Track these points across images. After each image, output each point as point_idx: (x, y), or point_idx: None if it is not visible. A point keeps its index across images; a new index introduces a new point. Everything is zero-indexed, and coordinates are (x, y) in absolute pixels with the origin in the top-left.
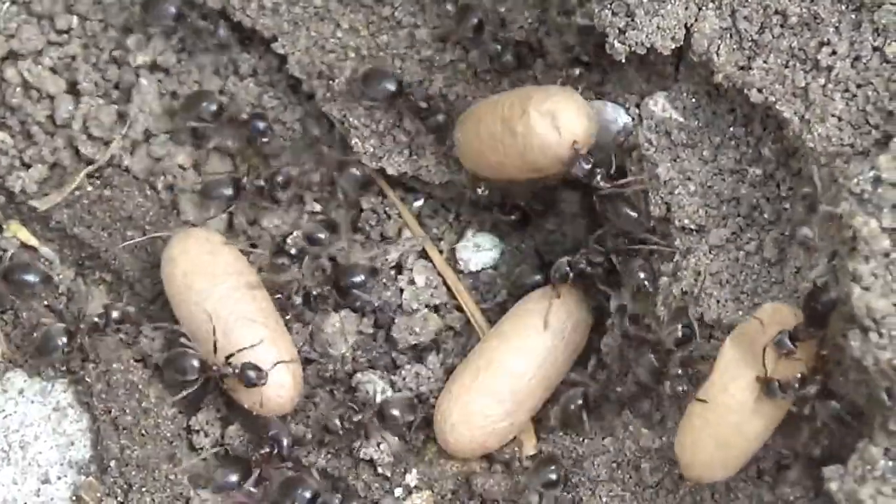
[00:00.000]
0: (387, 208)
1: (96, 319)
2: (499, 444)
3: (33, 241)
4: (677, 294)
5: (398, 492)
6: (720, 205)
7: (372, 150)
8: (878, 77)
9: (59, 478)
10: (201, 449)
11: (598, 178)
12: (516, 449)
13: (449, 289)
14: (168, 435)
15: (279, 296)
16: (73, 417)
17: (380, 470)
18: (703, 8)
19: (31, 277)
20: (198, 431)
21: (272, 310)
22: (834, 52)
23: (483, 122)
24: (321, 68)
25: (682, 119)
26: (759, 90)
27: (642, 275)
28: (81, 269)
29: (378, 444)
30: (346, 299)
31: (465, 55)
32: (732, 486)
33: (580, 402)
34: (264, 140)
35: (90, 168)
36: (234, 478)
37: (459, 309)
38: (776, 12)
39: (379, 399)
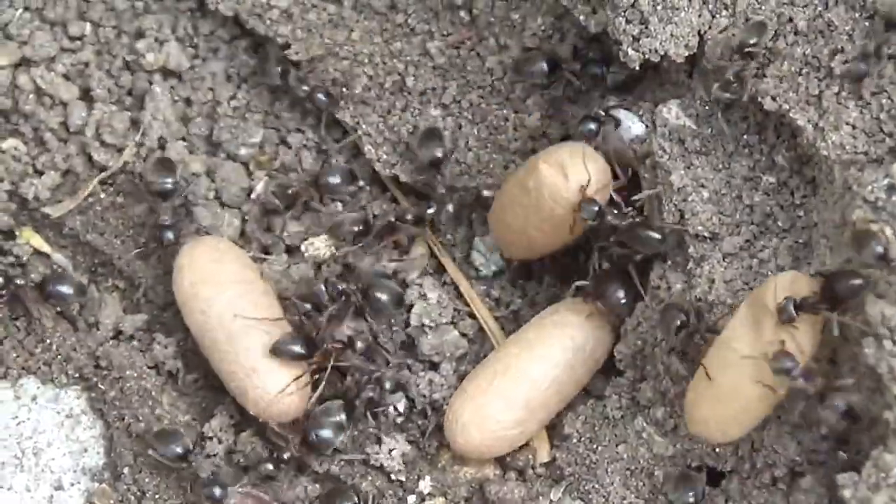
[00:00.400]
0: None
1: None
2: (507, 449)
3: (46, 248)
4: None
5: (411, 499)
6: (734, 212)
7: (385, 156)
8: (892, 85)
9: (72, 484)
10: (214, 455)
11: (609, 217)
12: (530, 457)
13: (461, 296)
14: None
15: (287, 301)
16: (87, 424)
17: (393, 476)
18: (717, 15)
19: (65, 289)
20: (211, 438)
21: (277, 315)
22: (847, 60)
23: (505, 192)
24: (335, 75)
25: (695, 126)
26: (773, 98)
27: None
28: (94, 276)
29: (390, 451)
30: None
31: (480, 64)
32: (746, 493)
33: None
34: None
35: (103, 175)
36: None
37: (472, 316)
38: (790, 20)
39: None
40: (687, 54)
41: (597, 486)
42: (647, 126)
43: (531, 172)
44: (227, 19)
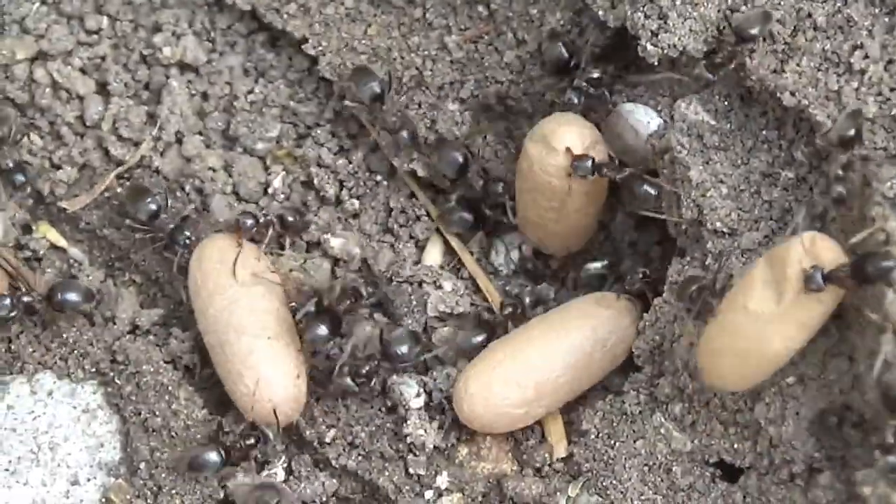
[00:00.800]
0: (416, 209)
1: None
2: (510, 427)
3: (62, 243)
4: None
5: (428, 494)
6: (752, 208)
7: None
8: None
9: (88, 480)
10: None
11: (605, 170)
12: (547, 455)
13: (479, 289)
14: (198, 437)
15: (293, 304)
16: (103, 419)
17: (411, 471)
18: (736, 11)
19: (73, 297)
20: (227, 433)
21: (279, 322)
22: (867, 56)
23: (517, 190)
24: (352, 70)
25: (714, 122)
26: (792, 93)
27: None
28: (111, 270)
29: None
30: (393, 365)
31: (498, 59)
32: (764, 490)
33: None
34: None
35: (120, 169)
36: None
37: (490, 310)
38: (809, 15)
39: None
40: (706, 49)
41: (614, 481)
42: (665, 121)
43: (523, 156)
44: (245, 13)
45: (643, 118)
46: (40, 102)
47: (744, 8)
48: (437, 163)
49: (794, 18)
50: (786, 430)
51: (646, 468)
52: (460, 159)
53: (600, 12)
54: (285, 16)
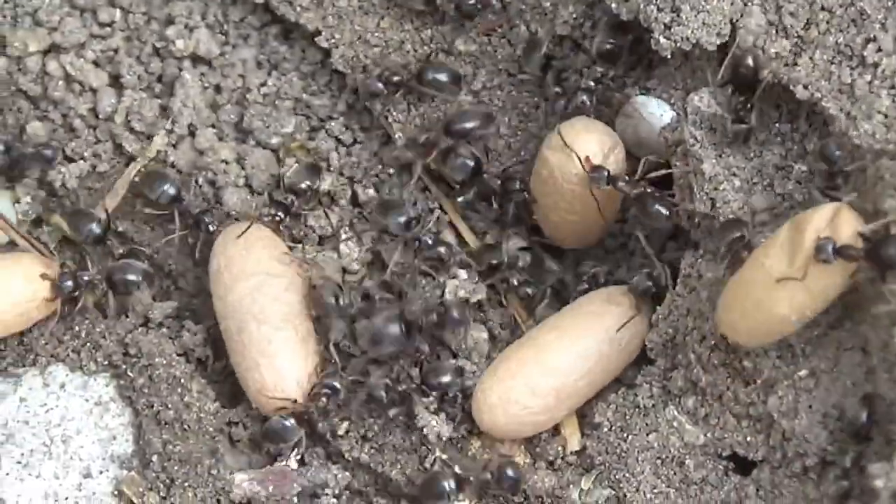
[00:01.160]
0: (430, 203)
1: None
2: (532, 433)
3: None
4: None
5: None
6: (765, 201)
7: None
8: None
9: (100, 472)
10: (239, 441)
11: (621, 183)
12: (560, 448)
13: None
14: (210, 429)
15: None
16: (116, 412)
17: (426, 464)
18: (749, 4)
19: (133, 277)
20: (237, 423)
21: (295, 312)
22: (880, 49)
23: (533, 187)
24: (365, 62)
25: (726, 115)
26: (805, 86)
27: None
28: None
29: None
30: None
31: (511, 52)
32: (777, 483)
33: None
34: None
35: (136, 166)
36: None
37: (502, 304)
38: (822, 8)
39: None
40: (719, 43)
41: (627, 474)
42: (678, 114)
43: (541, 163)
44: (258, 6)
45: (656, 111)
46: (53, 95)
47: (757, 1)
48: (449, 170)
49: (806, 11)
50: (799, 423)
51: (659, 461)
52: (471, 163)
53: (613, 5)
54: (298, 8)
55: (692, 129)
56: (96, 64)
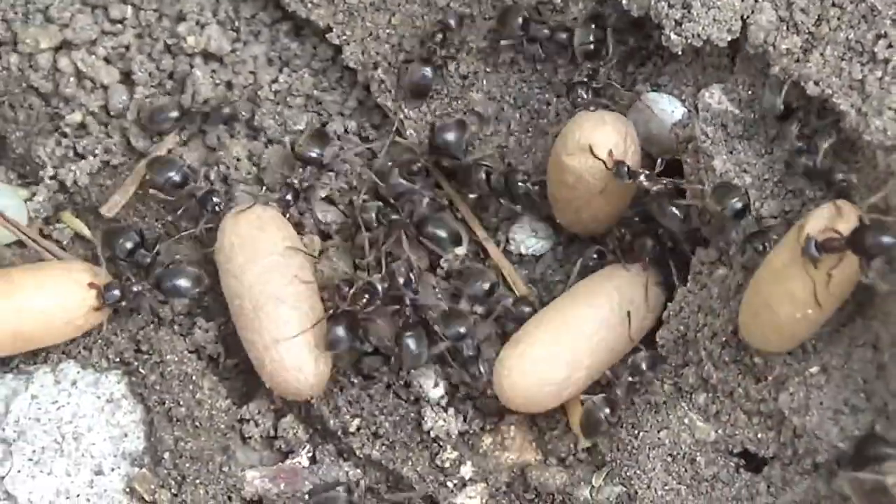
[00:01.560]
0: (441, 199)
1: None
2: (555, 405)
3: (86, 232)
4: (733, 288)
5: (452, 484)
6: (776, 197)
7: (427, 141)
8: None
9: (112, 469)
10: (250, 438)
11: (642, 178)
12: (571, 444)
13: (504, 280)
14: (222, 426)
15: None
16: (127, 409)
17: (437, 462)
18: (760, 0)
19: (184, 283)
20: (248, 421)
21: (309, 294)
22: (891, 45)
23: (550, 178)
24: (376, 59)
25: (738, 111)
26: (816, 82)
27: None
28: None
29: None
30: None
31: (522, 48)
32: (788, 480)
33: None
34: None
35: (146, 160)
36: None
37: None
38: (833, 4)
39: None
40: (730, 39)
41: (638, 471)
42: (688, 111)
43: (564, 172)
44: (268, 2)
45: (667, 107)
46: (64, 92)
47: None
48: (465, 186)
49: (817, 7)
50: (810, 419)
51: (670, 458)
52: (483, 176)
53: (623, 1)
54: (309, 5)
55: (703, 125)
56: (107, 60)
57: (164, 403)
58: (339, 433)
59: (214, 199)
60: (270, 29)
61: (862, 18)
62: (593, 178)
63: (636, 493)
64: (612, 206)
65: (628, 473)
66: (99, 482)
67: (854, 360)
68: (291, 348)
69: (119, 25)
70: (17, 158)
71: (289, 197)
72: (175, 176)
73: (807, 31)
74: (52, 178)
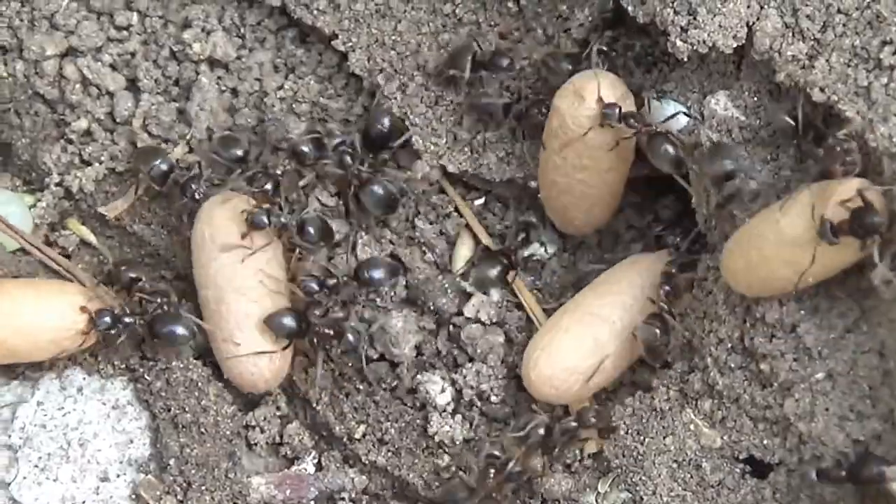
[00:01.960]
0: (446, 206)
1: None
2: (582, 391)
3: (92, 239)
4: (738, 294)
5: None
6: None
7: (433, 147)
8: None
9: (118, 476)
10: (256, 445)
11: (632, 120)
12: (577, 451)
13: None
14: (227, 433)
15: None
16: (133, 415)
17: (442, 464)
18: (766, 6)
19: (178, 330)
20: (254, 427)
21: (273, 289)
22: None
23: (542, 159)
24: (382, 66)
25: (743, 117)
26: (822, 89)
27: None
28: (141, 266)
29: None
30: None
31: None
32: (794, 486)
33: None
34: None
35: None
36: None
37: (519, 307)
38: (839, 11)
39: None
40: (735, 45)
41: (644, 477)
42: (694, 117)
43: (552, 115)
44: (274, 9)
45: (673, 113)
46: (70, 98)
47: (773, 3)
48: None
49: (823, 14)
50: (815, 426)
51: (675, 464)
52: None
53: (630, 7)
54: (315, 12)
55: (709, 131)
56: (113, 67)
57: (169, 410)
58: (345, 439)
59: (193, 186)
60: (276, 36)
61: (867, 25)
62: (574, 122)
63: (642, 499)
64: (600, 180)
65: (634, 479)
66: (105, 488)
67: (860, 367)
68: (248, 342)
69: (125, 32)
70: (22, 165)
71: (268, 186)
72: (162, 164)
73: (812, 37)
74: (57, 184)
